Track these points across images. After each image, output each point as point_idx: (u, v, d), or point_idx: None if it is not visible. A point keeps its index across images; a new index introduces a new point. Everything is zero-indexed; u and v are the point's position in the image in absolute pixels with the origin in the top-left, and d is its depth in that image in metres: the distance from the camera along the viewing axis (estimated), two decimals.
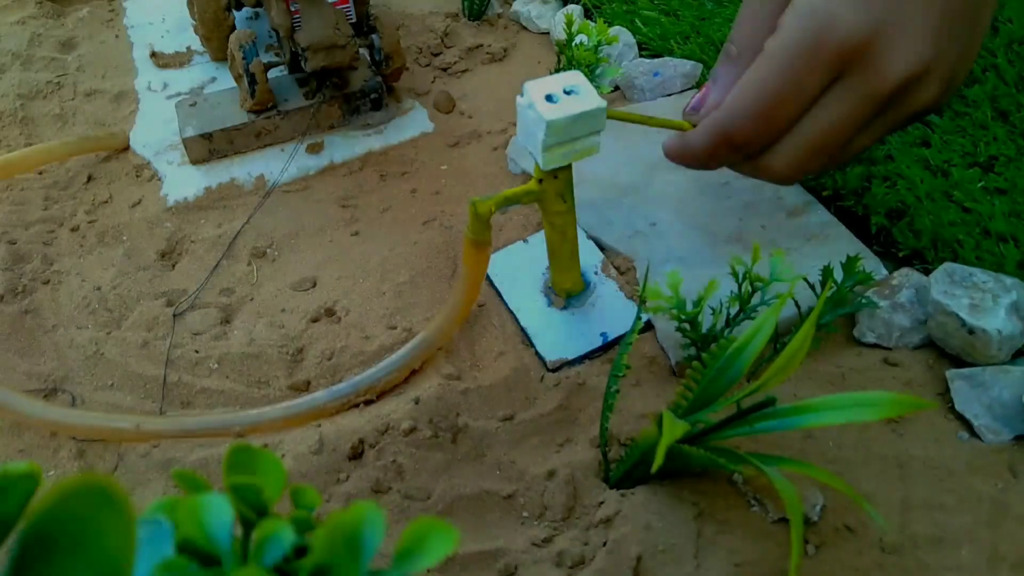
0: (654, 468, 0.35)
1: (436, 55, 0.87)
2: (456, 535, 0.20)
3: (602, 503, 0.47)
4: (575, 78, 0.47)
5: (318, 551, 0.19)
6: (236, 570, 0.19)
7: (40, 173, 0.74)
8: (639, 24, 0.82)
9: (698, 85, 0.75)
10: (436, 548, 0.20)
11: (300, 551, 0.24)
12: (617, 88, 0.77)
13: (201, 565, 0.23)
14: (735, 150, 0.48)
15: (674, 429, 0.36)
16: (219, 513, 0.20)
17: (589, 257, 0.60)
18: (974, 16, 0.45)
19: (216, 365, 0.58)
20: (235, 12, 0.81)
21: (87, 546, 0.14)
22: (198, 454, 0.52)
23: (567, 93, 0.46)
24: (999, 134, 0.64)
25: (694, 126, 0.51)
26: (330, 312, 0.61)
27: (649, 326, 0.57)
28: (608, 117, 0.47)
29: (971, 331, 0.49)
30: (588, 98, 0.46)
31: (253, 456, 0.27)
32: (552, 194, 0.50)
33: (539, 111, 0.45)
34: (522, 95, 0.47)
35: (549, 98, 0.46)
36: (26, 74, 0.84)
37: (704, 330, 0.49)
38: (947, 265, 0.52)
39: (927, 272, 0.55)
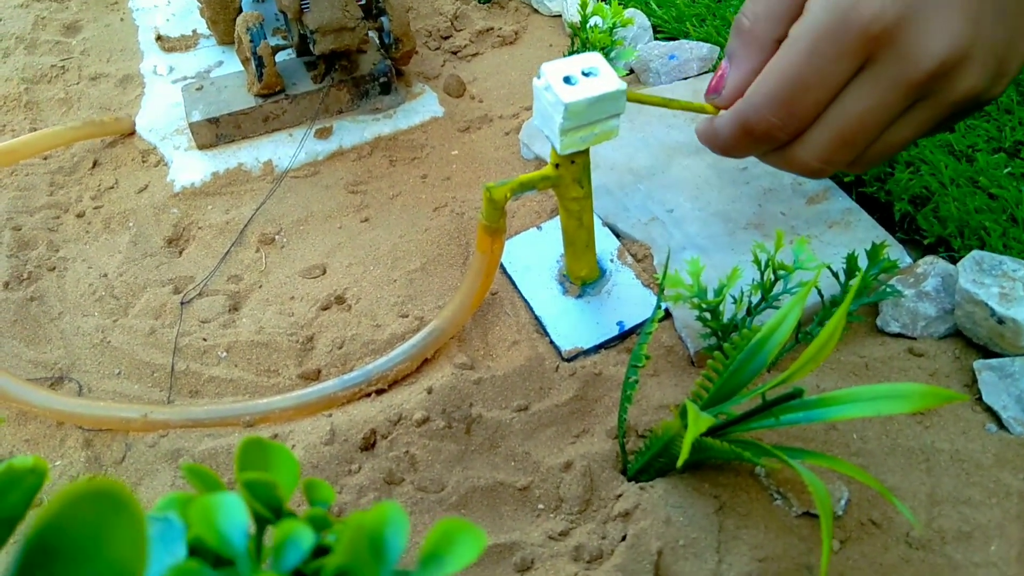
0: (679, 463, 0.34)
1: (446, 38, 0.85)
2: (484, 538, 0.19)
3: (620, 496, 0.46)
4: (594, 59, 0.45)
5: (340, 553, 0.18)
6: (255, 574, 0.18)
7: (45, 158, 0.73)
8: (654, 6, 0.80)
9: (715, 68, 0.74)
10: (463, 552, 0.19)
11: (316, 550, 0.23)
12: (632, 71, 0.76)
13: (213, 566, 0.22)
14: (759, 141, 0.46)
15: (699, 423, 0.35)
16: (234, 514, 0.19)
17: (605, 244, 0.59)
18: None
19: (224, 353, 0.57)
20: None
21: (95, 555, 0.13)
22: (206, 444, 0.51)
23: (585, 75, 0.45)
24: None
25: (718, 109, 0.49)
26: (340, 300, 0.59)
27: (667, 314, 0.55)
28: (628, 100, 0.46)
29: (1001, 320, 0.47)
30: (607, 80, 0.44)
31: (265, 450, 0.26)
32: (569, 179, 0.49)
33: (557, 93, 0.44)
34: (539, 77, 0.45)
35: (567, 80, 0.44)
36: (30, 58, 0.83)
37: (725, 319, 0.48)
38: (976, 253, 0.50)
39: (953, 260, 0.54)
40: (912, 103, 0.43)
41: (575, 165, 0.48)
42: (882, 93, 0.42)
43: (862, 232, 0.57)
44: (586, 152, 0.48)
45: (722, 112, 0.48)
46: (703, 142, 0.50)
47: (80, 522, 0.13)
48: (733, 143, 0.48)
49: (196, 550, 0.22)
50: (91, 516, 0.13)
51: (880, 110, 0.43)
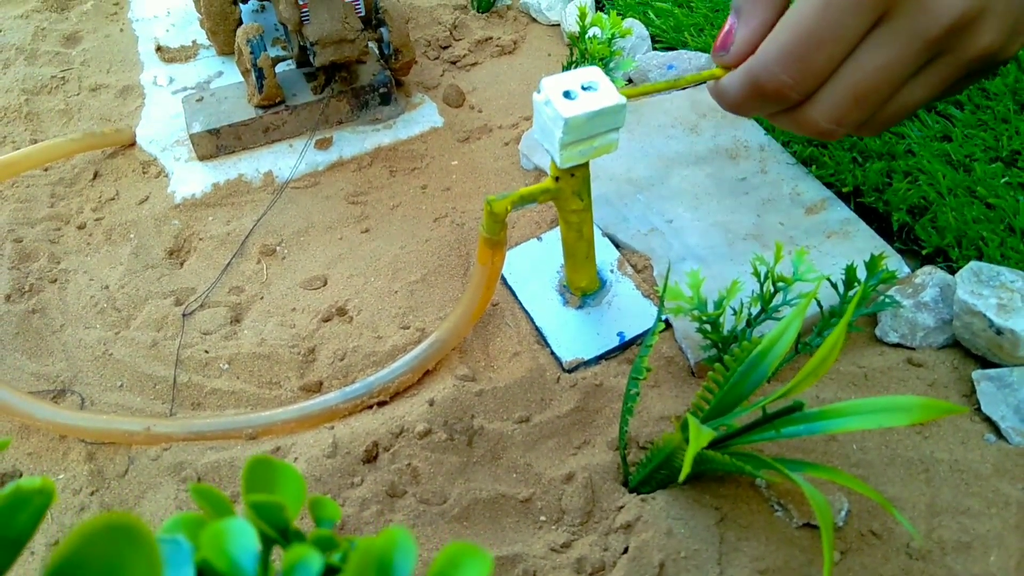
0: (681, 477, 0.34)
1: (445, 48, 0.86)
2: (490, 561, 0.19)
3: (622, 508, 0.46)
4: (593, 74, 0.46)
5: None
6: None
7: (45, 170, 0.73)
8: (652, 16, 0.81)
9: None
10: (470, 575, 0.19)
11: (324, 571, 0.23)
12: (631, 81, 0.76)
13: None
14: (770, 99, 0.44)
15: (700, 437, 0.35)
16: (244, 539, 0.19)
17: (605, 255, 0.59)
18: None
19: (226, 366, 0.57)
20: (241, 5, 0.80)
21: None
22: (209, 457, 0.51)
23: (585, 89, 0.45)
24: (1021, 128, 0.62)
25: (726, 69, 0.46)
26: (341, 311, 0.60)
27: (667, 325, 0.56)
28: (635, 95, 0.45)
29: (999, 331, 0.48)
30: (607, 94, 0.45)
31: (272, 469, 0.27)
32: (569, 192, 0.49)
33: (557, 108, 0.44)
34: (539, 91, 0.45)
35: (567, 95, 0.45)
36: (31, 69, 0.83)
37: (725, 331, 0.48)
38: (974, 264, 0.51)
39: (951, 270, 0.54)
40: (928, 61, 0.42)
41: (575, 178, 0.49)
42: (899, 49, 0.41)
43: (861, 242, 0.58)
44: (586, 165, 0.48)
45: (731, 72, 0.46)
46: (713, 97, 0.48)
47: (97, 556, 0.13)
48: (742, 101, 0.45)
49: (204, 572, 0.22)
50: (107, 549, 0.13)
51: (896, 66, 0.41)
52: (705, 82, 0.48)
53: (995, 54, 0.42)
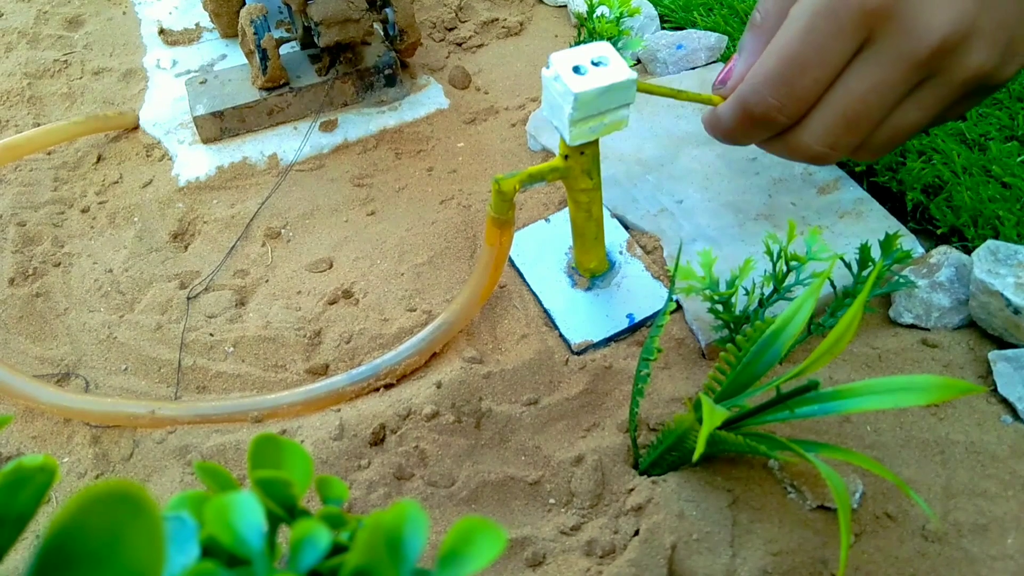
0: (695, 457, 0.34)
1: (451, 29, 0.85)
2: (504, 537, 0.18)
3: (632, 490, 0.46)
4: (603, 49, 0.45)
5: (357, 552, 0.18)
6: (272, 574, 0.18)
7: (49, 153, 0.72)
8: None
9: (723, 58, 0.73)
10: (483, 551, 0.18)
11: (331, 548, 0.22)
12: (639, 61, 0.75)
13: (227, 565, 0.21)
14: (759, 124, 0.45)
15: (714, 416, 0.35)
16: (249, 514, 0.18)
17: (614, 236, 0.58)
18: None
19: (232, 349, 0.56)
20: None
21: (112, 558, 0.13)
22: (215, 440, 0.50)
23: (595, 64, 0.44)
24: None
25: (723, 99, 0.49)
26: (347, 294, 0.59)
27: (677, 306, 0.55)
28: (637, 90, 0.45)
29: (1016, 311, 0.47)
30: (617, 69, 0.44)
31: (278, 447, 0.26)
32: (578, 171, 0.48)
33: (566, 83, 0.43)
34: (548, 67, 0.45)
35: (576, 70, 0.44)
36: (33, 52, 0.83)
37: (737, 311, 0.47)
38: (991, 242, 0.50)
39: (967, 250, 0.53)
40: (918, 83, 0.42)
41: (584, 156, 0.48)
42: (884, 71, 0.41)
43: (874, 222, 0.57)
44: (595, 143, 0.48)
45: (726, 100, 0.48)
46: (708, 130, 0.50)
47: (97, 525, 0.13)
48: (734, 127, 0.47)
49: (209, 550, 0.22)
50: (108, 519, 0.13)
51: (883, 89, 0.42)
52: (704, 104, 0.49)
53: (989, 75, 0.41)
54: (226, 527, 0.18)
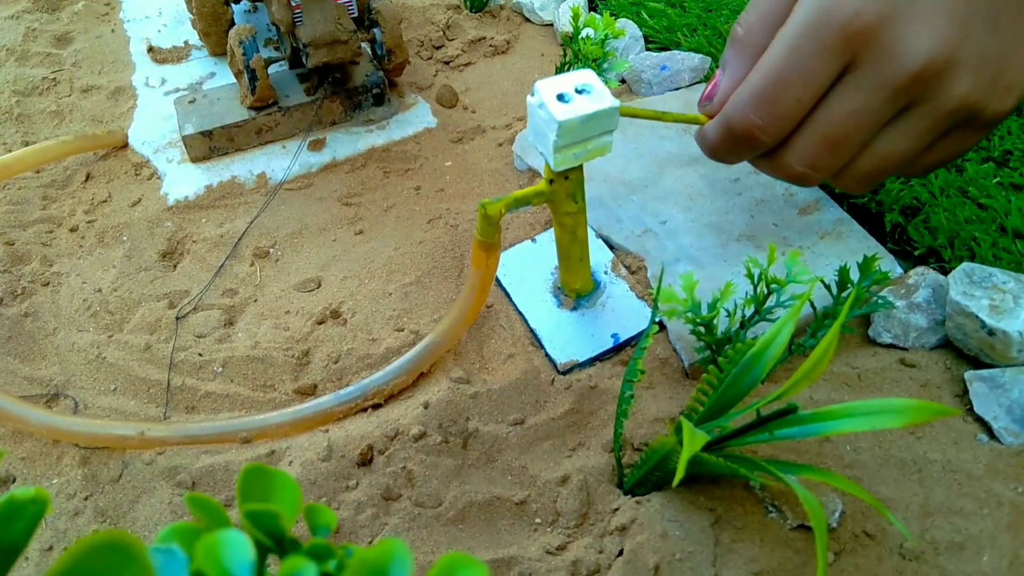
0: (675, 483, 0.34)
1: (438, 48, 0.86)
2: (486, 571, 0.19)
3: (617, 510, 0.46)
4: (587, 76, 0.46)
5: None
6: None
7: (37, 172, 0.73)
8: (645, 16, 0.81)
9: (707, 79, 0.74)
10: None
11: None
12: (624, 82, 0.76)
13: None
14: (742, 143, 0.46)
15: (695, 440, 0.36)
16: (238, 551, 0.19)
17: (598, 256, 0.59)
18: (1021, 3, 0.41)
19: (220, 368, 0.57)
20: (233, 6, 0.80)
21: None
22: (204, 461, 0.51)
23: (579, 92, 0.45)
24: (1012, 128, 0.63)
25: (710, 117, 0.49)
26: (335, 314, 0.60)
27: (661, 326, 0.56)
28: (621, 114, 0.46)
29: (991, 332, 0.48)
30: (601, 97, 0.45)
31: (268, 478, 0.27)
32: (563, 195, 0.49)
33: (551, 111, 0.44)
34: (533, 94, 0.45)
35: (560, 97, 0.45)
36: (21, 70, 0.83)
37: (719, 332, 0.48)
38: (966, 265, 0.51)
39: (944, 271, 0.54)
40: (902, 110, 0.43)
41: (569, 180, 0.49)
42: (865, 94, 0.42)
43: (854, 243, 0.58)
44: (580, 168, 0.48)
45: (712, 118, 0.48)
46: (698, 145, 0.50)
47: (93, 572, 0.13)
48: (718, 145, 0.47)
49: None
50: (102, 568, 0.13)
51: (864, 113, 0.42)
52: (689, 124, 0.50)
53: (975, 106, 0.42)
54: (215, 564, 0.19)
